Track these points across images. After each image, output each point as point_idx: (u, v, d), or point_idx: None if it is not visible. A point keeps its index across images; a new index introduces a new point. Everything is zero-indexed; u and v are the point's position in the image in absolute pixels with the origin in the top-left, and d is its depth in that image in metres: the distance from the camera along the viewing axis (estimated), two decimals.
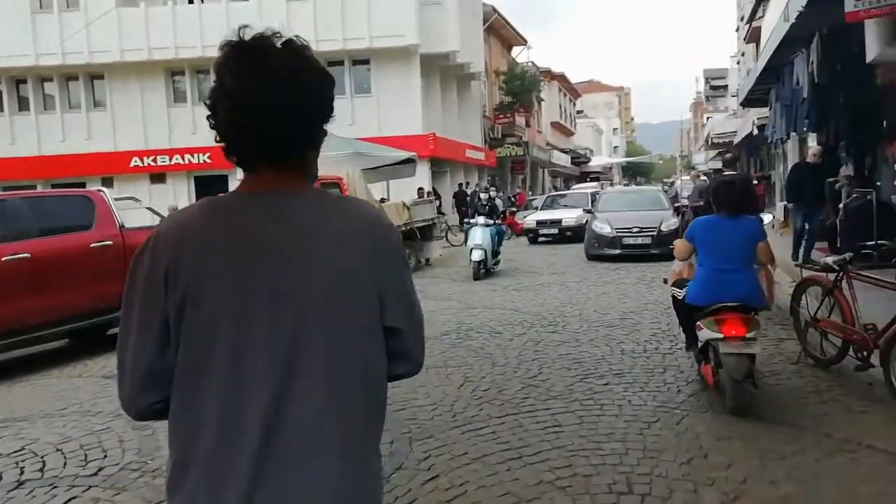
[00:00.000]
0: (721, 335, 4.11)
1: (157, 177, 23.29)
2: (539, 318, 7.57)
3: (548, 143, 42.22)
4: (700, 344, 4.47)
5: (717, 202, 4.51)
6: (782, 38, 9.79)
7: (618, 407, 4.38)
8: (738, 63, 36.79)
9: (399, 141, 19.30)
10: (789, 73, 11.31)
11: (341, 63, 23.01)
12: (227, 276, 1.16)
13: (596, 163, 57.90)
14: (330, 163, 12.70)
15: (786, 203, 9.30)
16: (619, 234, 12.67)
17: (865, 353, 4.52)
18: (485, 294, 9.70)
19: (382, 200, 13.98)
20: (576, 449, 3.70)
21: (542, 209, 19.33)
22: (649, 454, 3.57)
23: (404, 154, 14.52)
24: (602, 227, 13.04)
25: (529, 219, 18.38)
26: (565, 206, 18.80)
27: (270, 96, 1.18)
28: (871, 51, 8.05)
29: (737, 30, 36.09)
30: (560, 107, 47.83)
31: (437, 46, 23.02)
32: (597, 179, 51.12)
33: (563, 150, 46.32)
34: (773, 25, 11.31)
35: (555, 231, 17.26)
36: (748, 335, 4.08)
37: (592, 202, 16.82)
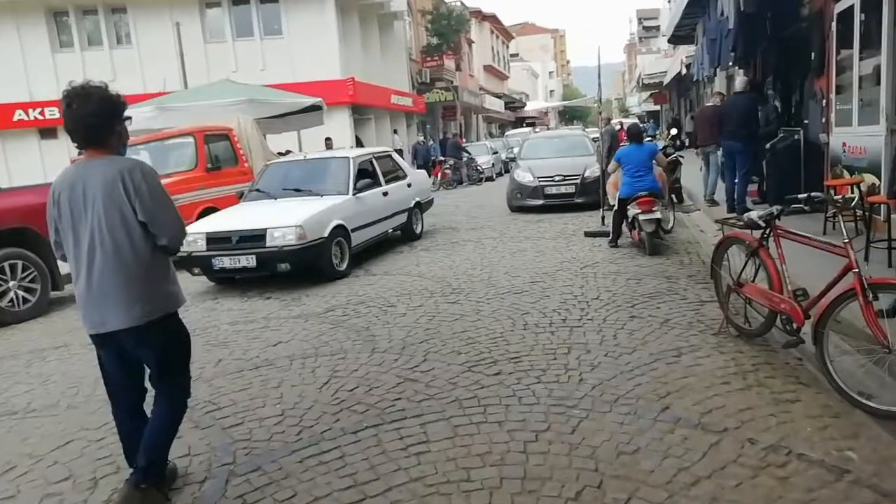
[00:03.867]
0: (639, 210, 7.35)
1: (48, 131, 20.82)
2: (442, 286, 6.68)
3: (481, 88, 40.79)
4: (630, 219, 7.63)
5: (629, 138, 8.20)
6: None
7: (504, 408, 3.55)
8: (668, 1, 36.02)
9: (315, 87, 17.74)
10: (715, 4, 10.50)
11: (247, 1, 21.03)
12: (65, 202, 2.67)
13: (531, 107, 56.67)
14: (220, 112, 11.27)
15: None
16: (542, 184, 11.80)
17: (795, 326, 3.81)
18: (390, 257, 8.73)
19: (288, 152, 12.64)
20: (437, 482, 2.83)
21: (244, 201, 8.52)
22: (529, 486, 2.74)
23: (309, 100, 13.07)
24: (524, 175, 12.14)
25: (196, 229, 7.27)
26: (297, 191, 8.16)
27: (71, 117, 2.60)
28: None
29: None
30: (493, 50, 46.20)
31: None
32: (532, 125, 50.02)
33: (496, 95, 44.90)
34: None
35: (249, 262, 7.01)
36: (653, 209, 7.28)
37: (356, 176, 8.30)
